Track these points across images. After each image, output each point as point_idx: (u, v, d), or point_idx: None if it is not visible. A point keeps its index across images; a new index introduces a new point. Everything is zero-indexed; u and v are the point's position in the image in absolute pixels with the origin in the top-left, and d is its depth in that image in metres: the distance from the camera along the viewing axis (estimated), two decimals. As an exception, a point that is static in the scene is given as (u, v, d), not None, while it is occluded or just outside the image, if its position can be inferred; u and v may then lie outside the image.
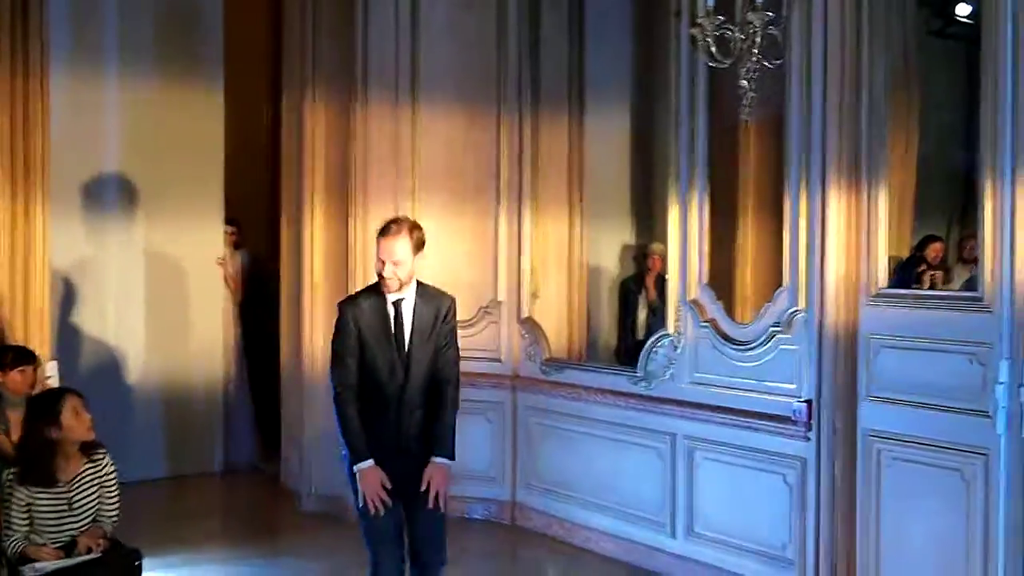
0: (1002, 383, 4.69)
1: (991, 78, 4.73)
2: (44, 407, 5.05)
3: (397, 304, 4.65)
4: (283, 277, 8.20)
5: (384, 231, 4.61)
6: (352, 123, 7.40)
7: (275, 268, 8.48)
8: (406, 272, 4.59)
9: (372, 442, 4.58)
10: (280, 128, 8.29)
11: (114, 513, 5.17)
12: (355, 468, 4.58)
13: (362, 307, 4.66)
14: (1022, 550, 4.67)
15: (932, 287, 5.85)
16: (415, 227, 4.65)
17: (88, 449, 5.10)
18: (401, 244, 4.57)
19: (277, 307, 8.33)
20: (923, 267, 6.16)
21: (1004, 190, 4.68)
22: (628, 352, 7.55)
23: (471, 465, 7.02)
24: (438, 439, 4.63)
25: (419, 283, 4.70)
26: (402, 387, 4.62)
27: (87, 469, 5.07)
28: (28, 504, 4.96)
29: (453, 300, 4.78)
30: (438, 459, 4.60)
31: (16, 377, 5.77)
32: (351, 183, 7.41)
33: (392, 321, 4.63)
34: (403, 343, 4.63)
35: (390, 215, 7.34)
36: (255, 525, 7.65)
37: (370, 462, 4.55)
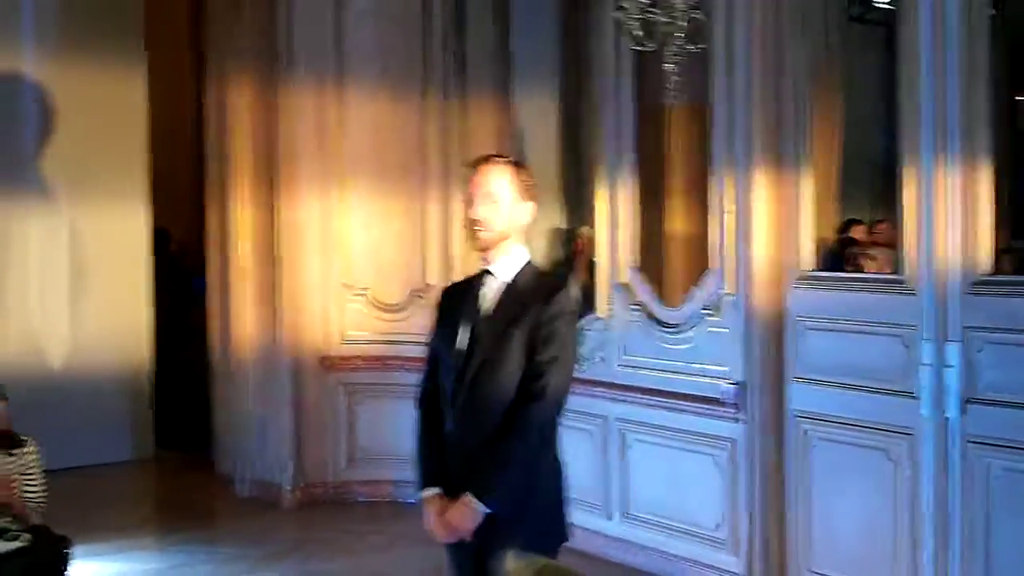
0: (926, 364, 4.75)
1: (909, 63, 4.75)
2: None
3: (483, 277, 3.39)
4: (209, 261, 8.07)
5: (476, 162, 3.42)
6: (277, 103, 7.29)
7: (188, 250, 8.29)
8: (503, 219, 3.31)
9: (443, 464, 3.43)
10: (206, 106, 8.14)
11: (40, 501, 5.07)
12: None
13: (456, 285, 3.54)
14: (946, 528, 4.74)
15: (873, 270, 5.88)
16: (523, 169, 3.41)
17: (8, 443, 5.00)
18: (497, 176, 3.34)
19: (188, 290, 8.18)
20: (857, 249, 6.20)
21: (923, 174, 4.71)
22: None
23: (399, 448, 6.98)
24: (479, 472, 3.28)
25: (531, 263, 3.42)
26: (456, 394, 3.36)
27: (6, 463, 4.96)
28: None
29: (568, 292, 3.37)
30: (468, 497, 3.28)
31: None
32: (277, 164, 7.30)
33: (471, 301, 3.38)
34: (468, 331, 3.36)
35: (317, 197, 7.39)
36: (189, 511, 7.55)
37: (430, 491, 3.43)
